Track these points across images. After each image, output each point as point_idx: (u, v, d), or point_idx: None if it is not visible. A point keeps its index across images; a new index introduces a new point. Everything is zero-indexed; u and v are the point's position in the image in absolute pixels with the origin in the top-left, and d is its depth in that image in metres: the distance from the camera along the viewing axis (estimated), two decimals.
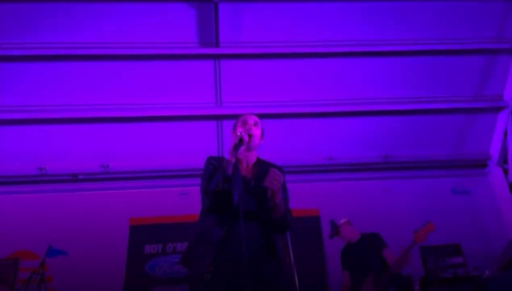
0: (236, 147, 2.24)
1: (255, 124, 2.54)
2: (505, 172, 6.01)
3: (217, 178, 2.24)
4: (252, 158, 2.53)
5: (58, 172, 5.58)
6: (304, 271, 4.46)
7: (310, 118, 5.67)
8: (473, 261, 5.00)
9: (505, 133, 5.91)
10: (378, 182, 5.98)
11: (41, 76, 5.11)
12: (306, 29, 5.17)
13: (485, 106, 5.81)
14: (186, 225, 5.14)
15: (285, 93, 5.50)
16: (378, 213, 5.39)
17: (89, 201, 5.60)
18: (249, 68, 5.34)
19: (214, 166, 2.43)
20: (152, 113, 5.40)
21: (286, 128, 5.63)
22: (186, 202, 5.24)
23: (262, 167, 2.47)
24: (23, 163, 5.49)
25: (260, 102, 5.46)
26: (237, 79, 5.39)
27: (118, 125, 5.47)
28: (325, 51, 5.27)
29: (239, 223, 2.09)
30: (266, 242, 2.33)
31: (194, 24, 5.08)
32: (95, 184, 5.70)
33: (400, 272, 3.88)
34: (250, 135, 2.40)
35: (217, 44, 5.13)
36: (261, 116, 5.61)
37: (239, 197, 2.25)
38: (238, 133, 2.31)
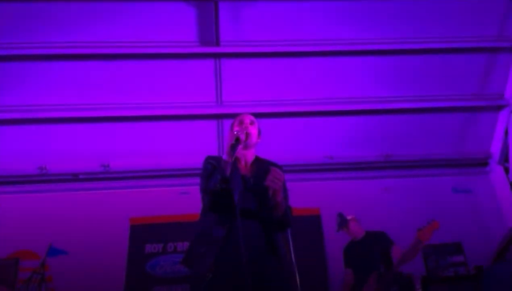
0: (233, 147, 2.24)
1: (252, 123, 2.56)
2: (506, 170, 6.00)
3: (215, 178, 2.24)
4: (250, 156, 2.55)
5: (59, 171, 5.58)
6: (305, 270, 4.45)
7: (310, 117, 5.66)
8: (474, 260, 5.00)
9: (506, 132, 5.90)
10: (379, 181, 5.98)
11: (41, 75, 5.10)
12: (308, 27, 5.16)
13: (486, 104, 5.81)
14: (186, 224, 5.13)
15: (286, 92, 5.49)
16: (379, 212, 5.39)
17: (90, 201, 5.60)
18: (249, 67, 5.33)
19: (213, 165, 2.43)
20: (152, 113, 5.39)
21: (286, 127, 5.63)
22: (186, 201, 5.23)
23: (261, 165, 2.50)
24: (23, 163, 5.49)
25: (260, 101, 5.46)
26: (238, 78, 5.38)
27: (118, 125, 5.46)
28: (327, 50, 5.26)
29: (237, 221, 2.10)
30: (267, 241, 2.34)
31: (194, 23, 5.07)
32: (95, 183, 5.70)
33: (401, 270, 3.87)
34: (247, 134, 2.41)
35: (217, 43, 5.12)
36: (262, 115, 5.66)
37: (239, 196, 2.26)
38: (235, 133, 2.31)
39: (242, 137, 2.32)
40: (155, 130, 5.54)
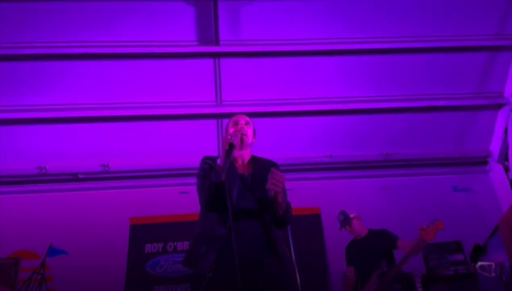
0: (228, 152, 2.23)
1: (247, 123, 2.60)
2: (506, 169, 6.00)
3: (211, 182, 2.25)
4: (247, 155, 2.57)
5: (58, 171, 5.57)
6: (305, 269, 4.46)
7: (310, 116, 5.65)
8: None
9: (506, 131, 5.90)
10: (378, 179, 5.99)
11: (39, 75, 5.09)
12: (308, 27, 5.15)
13: (486, 103, 5.81)
14: (186, 223, 5.14)
15: (286, 91, 5.49)
16: (379, 211, 5.39)
17: (89, 200, 5.60)
18: (249, 67, 5.32)
19: (210, 165, 2.43)
20: (152, 112, 5.38)
21: (286, 126, 5.63)
22: (186, 201, 5.23)
23: (258, 163, 2.54)
24: (23, 162, 5.48)
25: (260, 100, 5.45)
26: (237, 77, 5.37)
27: (118, 124, 5.45)
28: (327, 49, 5.25)
29: (230, 223, 2.11)
30: (267, 241, 2.34)
31: (193, 22, 5.07)
32: (95, 183, 5.70)
33: (402, 269, 3.87)
34: (242, 136, 2.42)
35: (217, 43, 5.11)
36: (261, 114, 5.65)
37: (237, 195, 2.30)
38: (229, 138, 2.30)
39: (236, 142, 2.31)
40: (154, 130, 5.54)
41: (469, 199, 5.95)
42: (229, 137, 2.30)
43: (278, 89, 5.47)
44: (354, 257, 4.10)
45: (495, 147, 6.06)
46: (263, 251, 2.31)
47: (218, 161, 2.24)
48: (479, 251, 4.72)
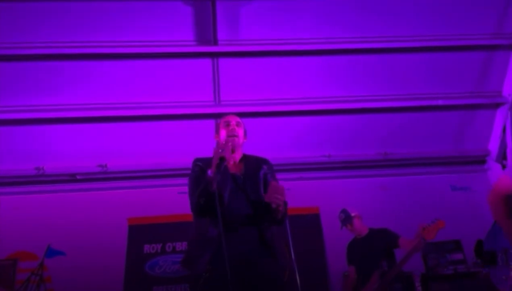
0: (219, 166, 2.26)
1: (238, 124, 2.63)
2: (504, 168, 6.01)
3: (201, 193, 2.28)
4: (238, 155, 2.60)
5: (56, 171, 5.55)
6: (305, 269, 4.44)
7: (308, 116, 5.65)
8: (473, 257, 5.01)
9: (504, 130, 5.90)
10: (377, 179, 5.99)
11: (37, 76, 5.07)
12: (307, 26, 5.14)
13: (484, 102, 5.81)
14: (185, 224, 5.07)
15: (285, 91, 5.48)
16: (378, 210, 5.38)
17: (88, 201, 5.58)
18: (247, 66, 5.31)
19: (201, 167, 2.48)
20: (150, 112, 5.37)
21: (285, 126, 5.62)
22: (185, 201, 5.15)
23: (249, 161, 2.58)
24: (20, 163, 5.46)
25: (258, 100, 5.44)
26: (236, 77, 5.36)
27: (115, 125, 5.44)
28: (326, 48, 5.24)
29: (219, 229, 2.15)
30: (261, 239, 2.36)
31: (191, 22, 5.05)
32: (93, 183, 5.68)
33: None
34: (233, 146, 2.46)
35: (215, 42, 5.10)
36: (260, 114, 5.63)
37: (230, 195, 2.36)
38: (220, 151, 2.30)
39: (227, 155, 2.32)
40: (152, 130, 5.52)
41: (467, 198, 5.95)
42: (220, 150, 2.31)
43: (277, 89, 5.46)
44: (355, 257, 4.10)
45: (493, 146, 6.06)
46: (258, 251, 2.34)
47: (209, 172, 2.25)
48: (482, 245, 4.71)
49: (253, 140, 4.93)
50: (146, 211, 5.51)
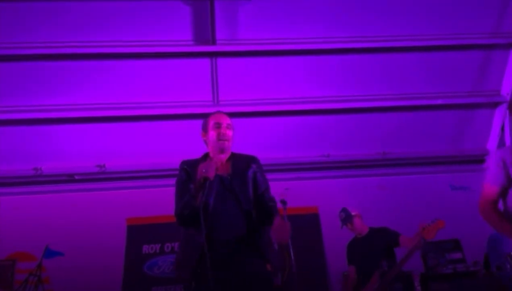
0: (202, 185, 2.27)
1: (228, 127, 2.57)
2: None
3: (185, 204, 2.32)
4: (226, 154, 2.57)
5: (54, 172, 5.53)
6: (305, 269, 4.44)
7: (307, 116, 5.64)
8: (473, 257, 5.00)
9: (503, 129, 5.91)
10: (376, 178, 5.99)
11: (35, 76, 5.05)
12: (306, 25, 5.13)
13: (483, 101, 5.81)
14: None
15: (284, 91, 5.47)
16: (377, 210, 5.37)
17: (86, 201, 5.57)
18: (246, 66, 5.30)
19: (187, 171, 2.47)
20: (148, 112, 5.36)
21: (284, 125, 5.61)
22: None
23: (237, 159, 2.54)
24: (18, 164, 5.44)
25: (257, 99, 5.43)
26: (234, 77, 5.35)
27: (114, 125, 5.43)
28: (325, 48, 5.24)
29: (201, 227, 2.18)
30: (248, 240, 2.36)
31: (189, 22, 5.04)
32: (91, 184, 5.66)
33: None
34: (217, 168, 2.40)
35: (213, 42, 5.09)
36: (259, 114, 5.62)
37: (216, 197, 2.37)
38: (203, 171, 2.28)
39: (212, 175, 2.30)
40: (151, 130, 5.51)
41: (466, 197, 5.94)
42: (203, 170, 2.28)
43: (276, 89, 5.45)
44: (355, 256, 4.09)
45: (492, 145, 6.06)
46: (244, 251, 2.33)
47: (191, 187, 2.30)
48: (489, 259, 4.66)
49: (252, 140, 4.94)
50: (145, 211, 5.50)
